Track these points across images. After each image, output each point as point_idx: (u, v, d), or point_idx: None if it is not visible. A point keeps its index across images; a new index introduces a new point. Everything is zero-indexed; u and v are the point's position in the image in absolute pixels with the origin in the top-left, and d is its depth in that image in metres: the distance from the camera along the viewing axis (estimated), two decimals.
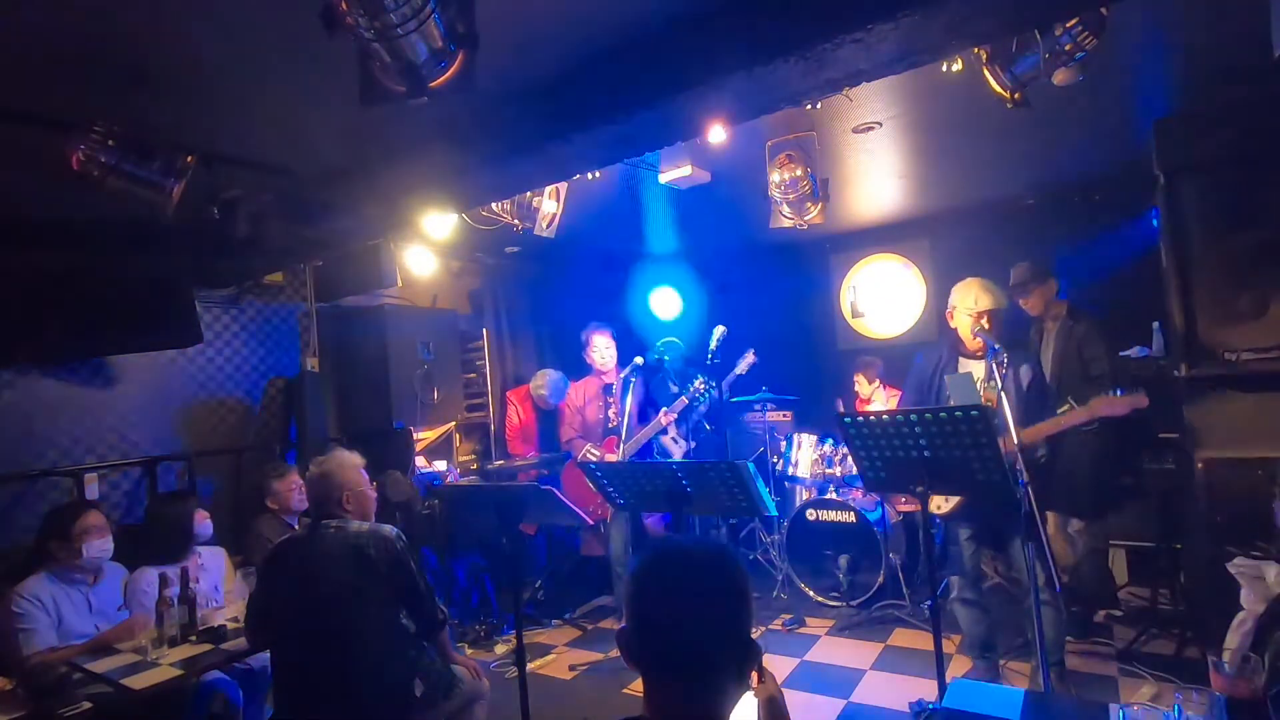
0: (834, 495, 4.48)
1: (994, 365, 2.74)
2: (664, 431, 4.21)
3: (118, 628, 2.63)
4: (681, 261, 6.17)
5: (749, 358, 4.77)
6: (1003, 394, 2.60)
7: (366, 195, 2.84)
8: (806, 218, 3.31)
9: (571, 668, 3.87)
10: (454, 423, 4.85)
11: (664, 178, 3.56)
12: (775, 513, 2.61)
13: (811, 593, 4.46)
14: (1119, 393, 2.71)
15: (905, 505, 4.50)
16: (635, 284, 6.23)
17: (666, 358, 4.95)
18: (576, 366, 4.60)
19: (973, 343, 3.01)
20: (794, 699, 3.02)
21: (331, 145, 2.68)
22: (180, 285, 3.50)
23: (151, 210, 2.23)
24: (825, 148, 3.42)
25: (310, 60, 2.00)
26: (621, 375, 4.23)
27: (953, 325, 3.11)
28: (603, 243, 5.43)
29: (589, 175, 3.07)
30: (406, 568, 2.31)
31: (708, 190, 3.88)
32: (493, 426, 5.22)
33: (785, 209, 3.30)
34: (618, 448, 4.12)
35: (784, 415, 5.59)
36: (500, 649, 4.13)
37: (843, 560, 4.32)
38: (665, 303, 6.33)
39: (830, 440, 4.67)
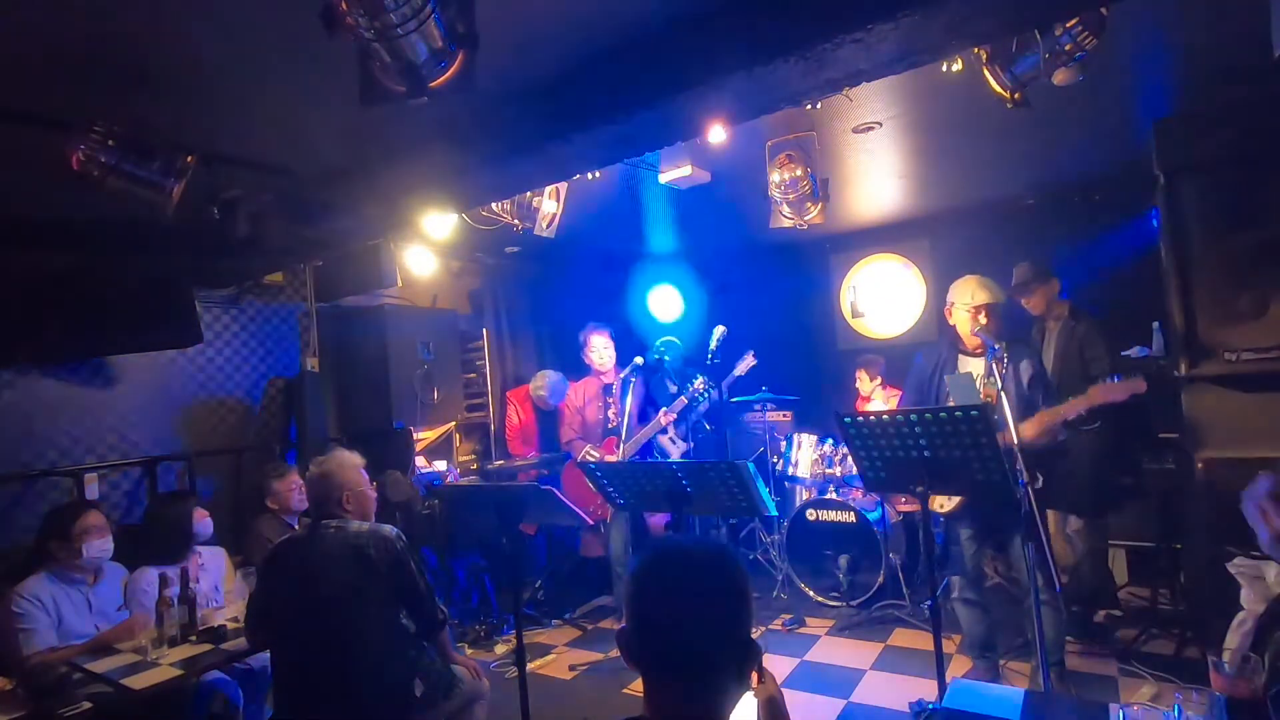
0: (834, 495, 4.48)
1: (994, 364, 2.74)
2: (663, 431, 4.21)
3: (118, 628, 2.63)
4: (681, 261, 6.17)
5: (748, 359, 4.76)
6: (1003, 393, 2.61)
7: (366, 195, 2.84)
8: (806, 218, 3.31)
9: (571, 668, 3.87)
10: (454, 423, 4.85)
11: (664, 178, 3.56)
12: (775, 513, 2.60)
13: (811, 593, 4.46)
14: (1116, 379, 2.71)
15: (905, 505, 4.50)
16: (635, 284, 6.23)
17: (666, 358, 4.95)
18: (576, 367, 4.60)
19: (971, 340, 3.01)
20: (794, 699, 3.02)
21: (331, 145, 2.68)
22: (180, 285, 3.50)
23: (151, 210, 2.23)
24: (825, 148, 3.42)
25: (310, 60, 2.00)
26: (621, 376, 4.23)
27: (951, 322, 3.11)
28: (603, 243, 5.43)
29: (589, 175, 3.07)
30: (406, 568, 2.31)
31: (708, 190, 3.88)
32: (493, 426, 5.22)
33: (785, 209, 3.30)
34: (617, 448, 4.12)
35: (784, 415, 5.59)
36: (500, 649, 4.13)
37: (843, 560, 4.32)
38: (665, 303, 6.33)
39: (830, 440, 4.67)
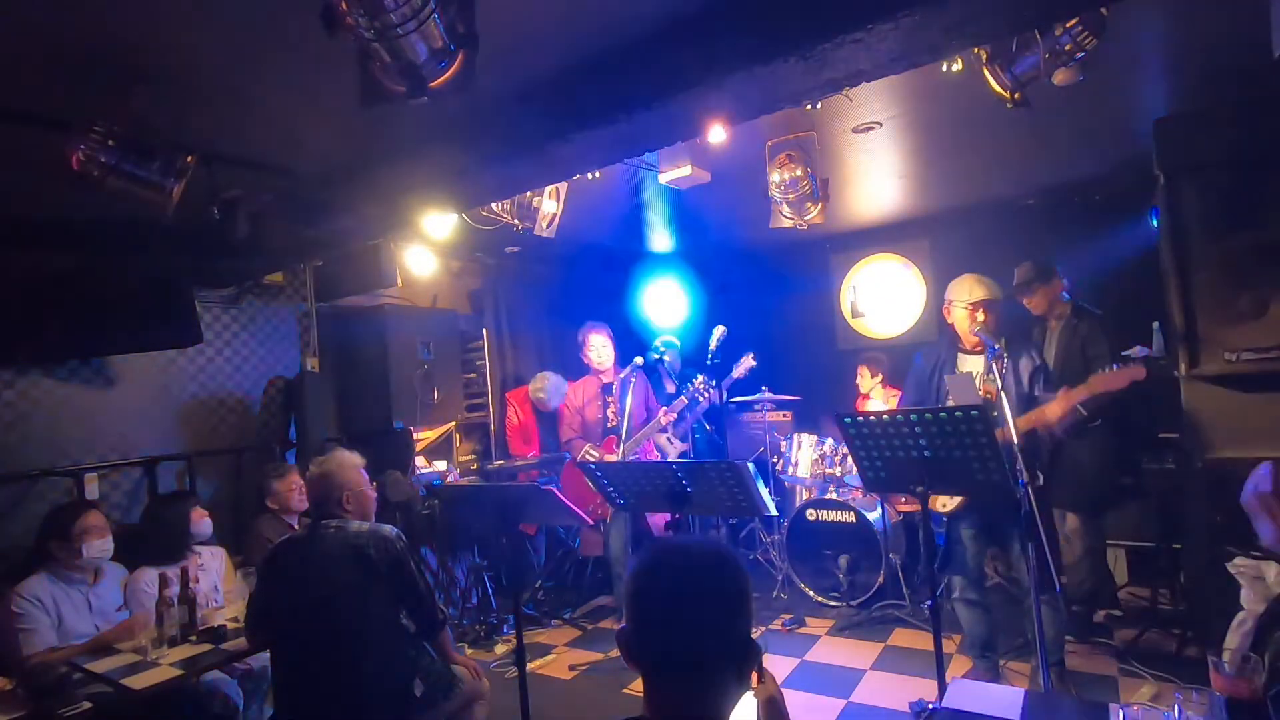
0: (834, 495, 4.48)
1: (993, 363, 2.74)
2: (661, 430, 4.22)
3: (117, 628, 2.63)
4: (681, 261, 6.17)
5: (748, 361, 4.77)
6: (1002, 392, 2.61)
7: (366, 195, 2.84)
8: (806, 218, 3.31)
9: (571, 668, 3.87)
10: (454, 423, 4.85)
11: (664, 178, 3.56)
12: (775, 513, 2.60)
13: (811, 593, 4.46)
14: (1115, 368, 2.71)
15: (905, 505, 4.50)
16: (635, 284, 6.23)
17: (666, 358, 4.96)
18: (576, 367, 4.60)
19: (970, 338, 3.02)
20: (794, 699, 3.02)
21: (331, 145, 2.68)
22: (180, 285, 3.50)
23: (151, 210, 2.23)
24: (825, 148, 3.42)
25: (310, 60, 2.00)
26: (621, 376, 4.24)
27: (950, 321, 3.12)
28: (603, 243, 5.43)
29: (589, 175, 3.07)
30: (406, 568, 2.31)
31: (708, 190, 3.88)
32: (493, 426, 5.22)
33: (785, 209, 3.30)
34: (617, 447, 4.12)
35: (784, 415, 5.59)
36: (500, 649, 4.13)
37: (843, 560, 4.32)
38: (665, 303, 6.33)
39: (830, 440, 4.66)
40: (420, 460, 4.63)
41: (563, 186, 3.40)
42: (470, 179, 2.63)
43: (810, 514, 4.51)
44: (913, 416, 2.23)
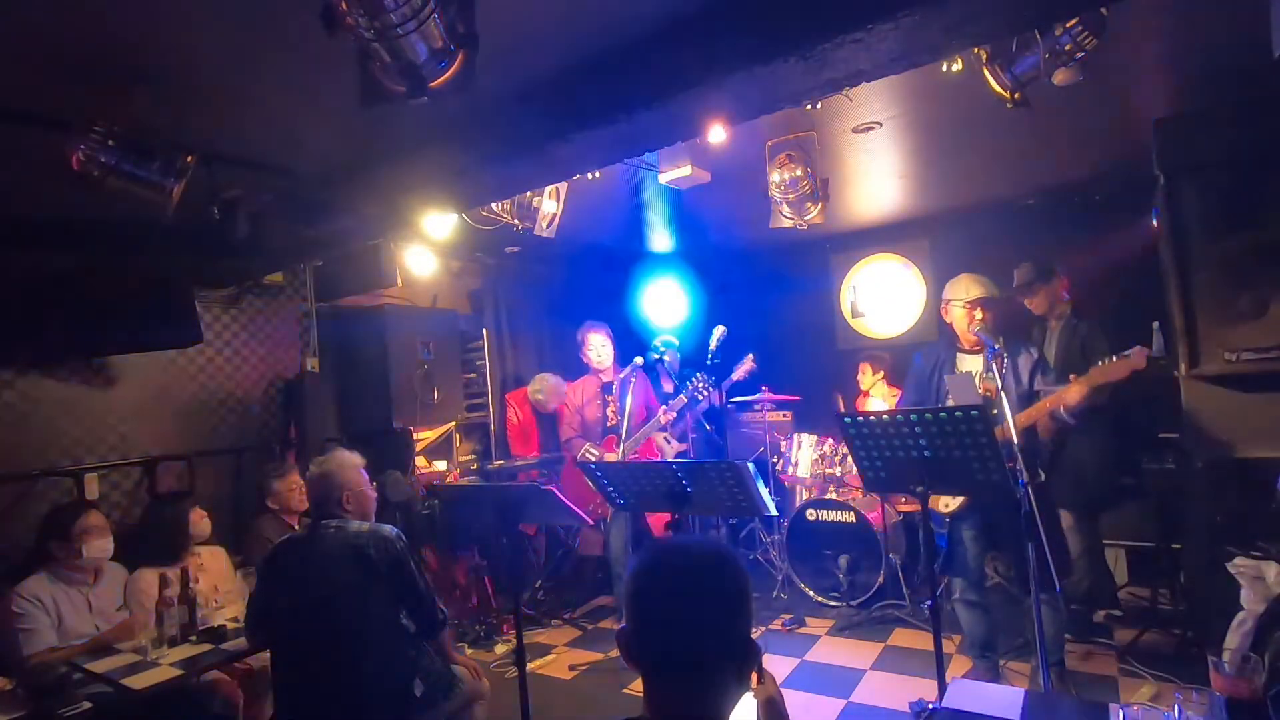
0: (834, 495, 4.48)
1: (993, 362, 2.74)
2: (661, 430, 4.22)
3: (117, 628, 2.63)
4: (681, 261, 6.17)
5: (748, 364, 4.77)
6: (1002, 392, 2.61)
7: (366, 195, 2.84)
8: (806, 218, 3.31)
9: (571, 668, 3.87)
10: (454, 423, 4.85)
11: (664, 178, 3.56)
12: (775, 513, 2.60)
13: (811, 593, 4.46)
14: (1114, 359, 2.71)
15: (905, 505, 4.50)
16: (635, 284, 6.23)
17: (665, 357, 4.96)
18: (576, 367, 4.60)
19: (968, 337, 3.02)
20: (794, 699, 3.02)
21: (331, 145, 2.68)
22: (180, 285, 3.50)
23: (151, 210, 2.23)
24: (825, 148, 3.42)
25: (310, 60, 2.00)
26: (621, 375, 4.24)
27: (948, 320, 3.13)
28: (603, 243, 5.43)
29: (589, 175, 3.07)
30: (406, 568, 2.31)
31: (708, 190, 3.88)
32: (493, 426, 5.22)
33: (785, 209, 3.30)
34: (617, 447, 4.12)
35: (784, 415, 5.59)
36: (500, 649, 4.13)
37: (843, 560, 4.33)
38: (665, 303, 6.33)
39: (830, 440, 4.66)
40: (420, 460, 4.63)
41: (563, 186, 3.40)
42: (470, 179, 2.63)
43: (810, 514, 4.51)
44: (913, 416, 2.23)
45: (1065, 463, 3.51)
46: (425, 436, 4.74)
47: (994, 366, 2.74)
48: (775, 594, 4.62)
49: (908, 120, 3.24)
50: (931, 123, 3.31)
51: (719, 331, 4.27)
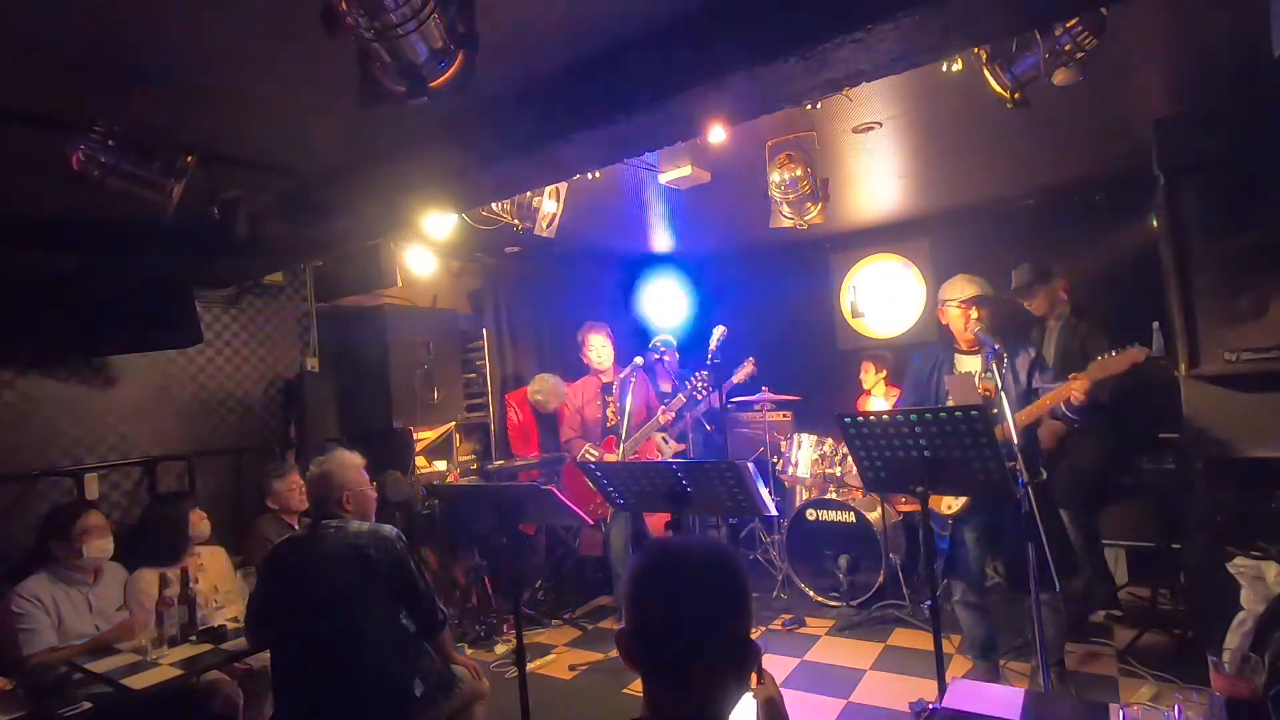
0: (834, 495, 4.48)
1: (993, 364, 2.74)
2: (660, 429, 4.22)
3: (117, 628, 2.63)
4: (682, 261, 6.17)
5: (748, 367, 4.78)
6: (1002, 393, 2.61)
7: (366, 195, 2.84)
8: (806, 218, 3.31)
9: (571, 668, 3.87)
10: (454, 423, 4.85)
11: (664, 178, 3.56)
12: (775, 513, 2.60)
13: (811, 593, 4.46)
14: (1113, 354, 2.71)
15: (905, 505, 4.50)
16: (635, 284, 6.23)
17: (665, 357, 4.96)
18: (576, 367, 4.60)
19: (966, 336, 3.03)
20: (794, 699, 3.02)
21: (331, 145, 2.68)
22: (180, 285, 3.50)
23: (151, 210, 2.23)
24: (825, 148, 3.42)
25: (310, 60, 2.00)
26: (621, 375, 4.24)
27: (944, 322, 3.13)
28: (603, 243, 5.43)
29: (589, 175, 3.07)
30: (406, 568, 2.31)
31: (708, 190, 3.88)
32: (493, 426, 5.22)
33: (785, 209, 3.30)
34: (617, 447, 4.12)
35: (784, 415, 5.59)
36: (500, 649, 4.13)
37: (843, 560, 4.32)
38: (665, 303, 6.33)
39: (830, 440, 4.66)
40: (420, 460, 4.63)
41: (563, 186, 3.40)
42: (470, 179, 2.63)
43: (810, 514, 4.51)
44: (913, 416, 2.23)
45: (1062, 461, 3.52)
46: (425, 436, 4.74)
47: (993, 367, 2.74)
48: (775, 594, 4.62)
49: (908, 120, 3.24)
50: (931, 123, 3.30)
51: (719, 331, 4.27)
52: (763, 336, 5.61)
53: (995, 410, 2.52)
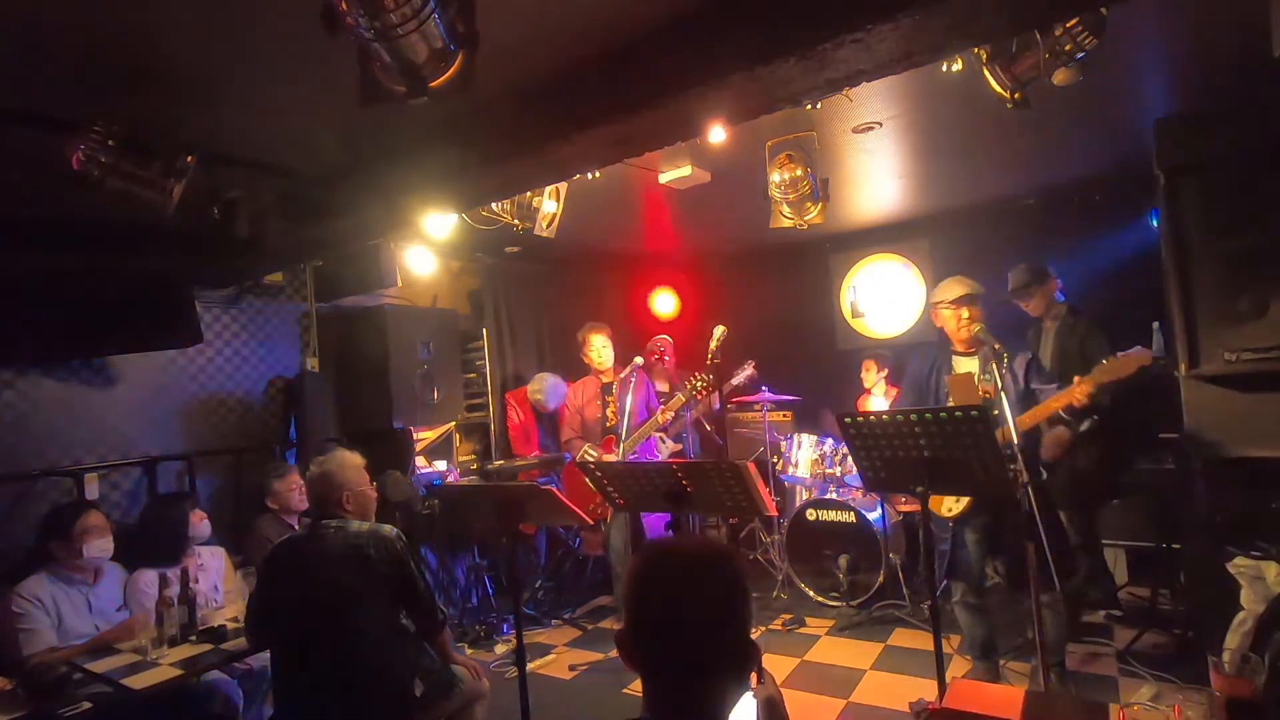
0: (834, 495, 4.48)
1: (994, 365, 2.74)
2: (659, 429, 4.21)
3: (117, 628, 2.63)
4: (681, 261, 6.17)
5: (748, 370, 4.77)
6: (1002, 393, 2.61)
7: (366, 195, 2.84)
8: (806, 218, 3.30)
9: (571, 668, 3.87)
10: (454, 423, 4.85)
11: (664, 178, 3.56)
12: (775, 513, 2.60)
13: (811, 593, 4.46)
14: (1119, 357, 2.69)
15: (905, 505, 4.50)
16: (635, 284, 6.23)
17: (665, 357, 4.95)
18: (576, 367, 4.60)
19: (960, 335, 3.03)
20: (794, 699, 3.02)
21: (331, 145, 2.68)
22: (180, 285, 3.50)
23: (151, 210, 2.23)
24: (825, 148, 3.42)
25: (310, 60, 2.00)
26: (621, 375, 4.24)
27: (938, 325, 3.14)
28: (603, 243, 5.43)
29: (589, 175, 3.07)
30: (406, 568, 2.31)
31: (708, 190, 3.87)
32: (493, 426, 5.22)
33: (785, 209, 3.30)
34: (615, 447, 4.12)
35: (784, 415, 5.59)
36: (500, 649, 4.13)
37: (843, 560, 4.32)
38: (665, 303, 6.33)
39: (830, 440, 4.67)
40: (420, 460, 4.63)
41: (563, 186, 3.40)
42: (470, 179, 2.63)
43: (810, 514, 4.51)
44: (913, 416, 2.22)
45: (1062, 462, 3.51)
46: (425, 436, 4.75)
47: (992, 367, 2.74)
48: (775, 594, 4.61)
49: (908, 120, 3.24)
50: (931, 123, 3.30)
51: (719, 331, 4.27)
52: (763, 336, 5.61)
53: (995, 412, 2.51)
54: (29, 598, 2.56)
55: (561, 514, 2.60)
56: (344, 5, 1.44)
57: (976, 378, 2.99)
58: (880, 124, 3.24)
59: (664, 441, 4.38)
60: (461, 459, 5.07)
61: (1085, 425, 3.18)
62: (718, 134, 2.47)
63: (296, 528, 3.31)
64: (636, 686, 2.99)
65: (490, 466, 4.82)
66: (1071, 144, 3.78)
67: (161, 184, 2.20)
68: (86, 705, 2.35)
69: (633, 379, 4.16)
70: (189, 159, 2.25)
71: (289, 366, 4.23)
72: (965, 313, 3.00)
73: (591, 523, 3.59)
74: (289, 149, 2.70)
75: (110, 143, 2.08)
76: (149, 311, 3.38)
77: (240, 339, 4.06)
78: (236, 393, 4.02)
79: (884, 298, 5.79)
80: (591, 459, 4.07)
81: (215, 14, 1.78)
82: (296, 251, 3.56)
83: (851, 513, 4.34)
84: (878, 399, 4.90)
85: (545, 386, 4.94)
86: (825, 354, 6.00)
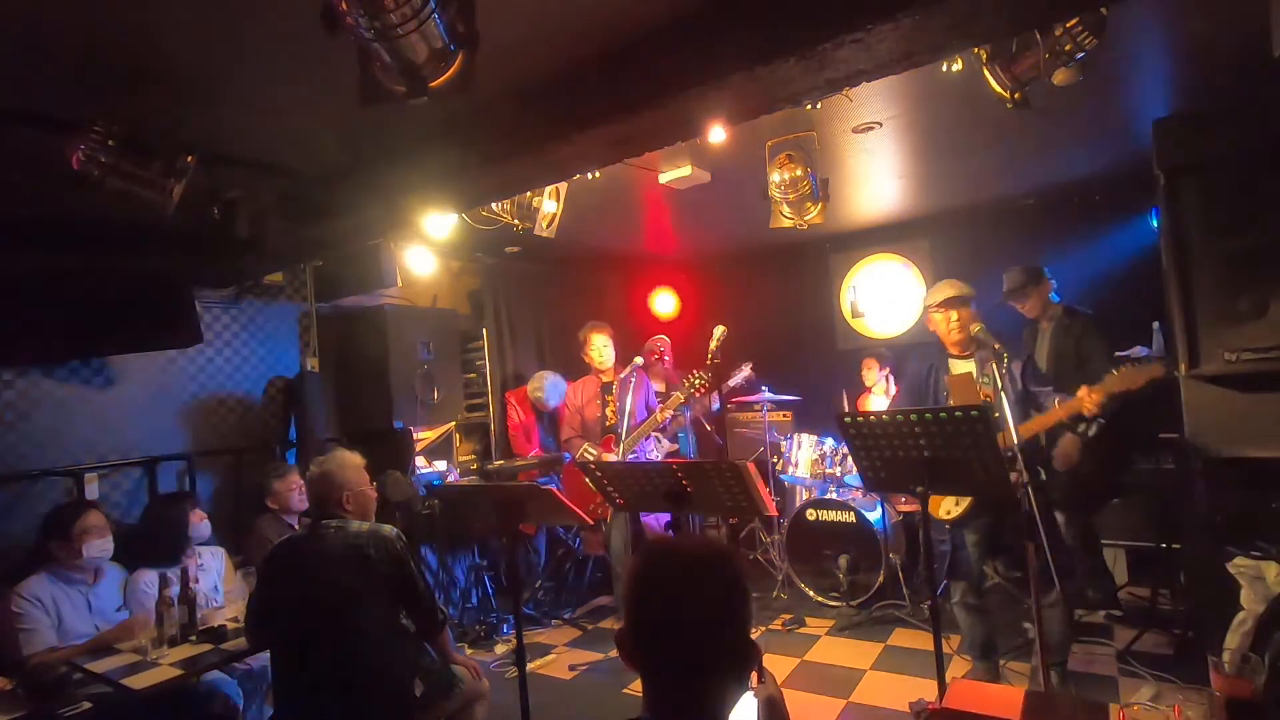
0: (834, 495, 4.48)
1: (993, 366, 2.74)
2: (658, 429, 4.21)
3: (117, 628, 2.63)
4: (681, 261, 6.17)
5: (747, 371, 4.77)
6: (1001, 393, 2.61)
7: (366, 195, 2.84)
8: (806, 218, 3.30)
9: (571, 668, 3.87)
10: (454, 423, 4.85)
11: (664, 178, 3.55)
12: (775, 513, 2.60)
13: (811, 593, 4.46)
14: (1133, 366, 2.67)
15: (905, 505, 4.50)
16: (635, 284, 6.23)
17: (665, 357, 4.95)
18: (576, 366, 4.60)
19: (951, 339, 3.03)
20: (794, 699, 3.02)
21: (331, 145, 2.68)
22: (180, 285, 3.50)
23: (151, 210, 2.23)
24: (825, 148, 3.42)
25: (310, 60, 2.00)
26: (621, 375, 4.24)
27: (931, 329, 3.15)
28: (603, 243, 5.43)
29: (589, 175, 3.07)
30: (406, 568, 2.31)
31: (708, 190, 3.87)
32: (493, 426, 5.22)
33: (785, 209, 3.30)
34: (615, 446, 4.12)
35: (784, 415, 5.59)
36: (500, 649, 4.13)
37: (843, 560, 4.32)
38: (665, 303, 6.33)
39: (830, 440, 4.67)
40: (420, 460, 4.63)
41: (563, 186, 3.40)
42: (470, 179, 2.63)
43: (810, 514, 4.51)
44: (913, 416, 2.22)
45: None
46: (425, 436, 4.75)
47: (990, 369, 2.74)
48: (775, 594, 4.61)
49: (908, 120, 3.24)
50: (931, 123, 3.31)
51: (719, 331, 4.27)
52: (763, 336, 5.62)
53: (996, 414, 2.51)
54: (29, 598, 2.56)
55: (561, 514, 2.60)
56: (344, 5, 1.44)
57: (975, 380, 2.99)
58: (880, 124, 3.24)
59: (660, 441, 4.38)
60: (461, 459, 5.07)
61: (1093, 430, 3.17)
62: (718, 134, 2.47)
63: (296, 528, 3.31)
64: (636, 686, 2.98)
65: (490, 466, 4.82)
66: (1071, 144, 3.78)
67: (161, 184, 2.20)
68: (86, 705, 2.35)
69: (633, 379, 4.16)
70: (189, 159, 2.25)
71: (289, 366, 4.23)
72: (955, 315, 3.00)
73: (591, 523, 3.59)
74: (289, 149, 2.70)
75: (110, 143, 2.08)
76: (149, 311, 3.38)
77: (240, 339, 4.06)
78: (236, 393, 4.02)
79: (884, 298, 5.79)
80: (591, 458, 4.07)
81: (215, 14, 1.78)
82: (296, 251, 3.56)
83: (851, 513, 4.34)
84: (878, 398, 4.90)
85: (545, 384, 4.94)
86: (825, 354, 6.00)
